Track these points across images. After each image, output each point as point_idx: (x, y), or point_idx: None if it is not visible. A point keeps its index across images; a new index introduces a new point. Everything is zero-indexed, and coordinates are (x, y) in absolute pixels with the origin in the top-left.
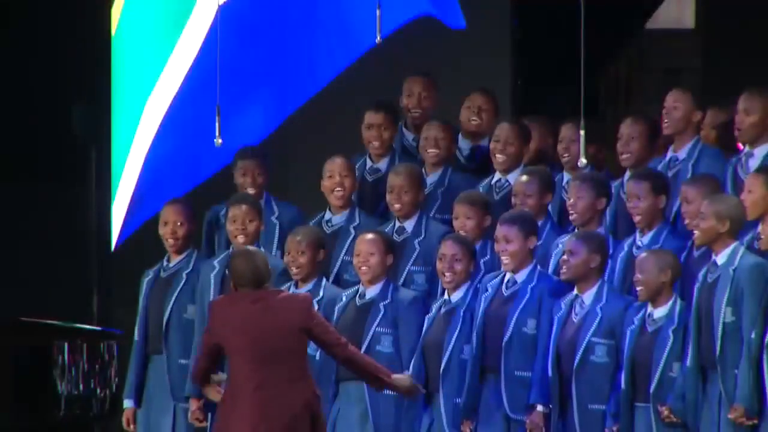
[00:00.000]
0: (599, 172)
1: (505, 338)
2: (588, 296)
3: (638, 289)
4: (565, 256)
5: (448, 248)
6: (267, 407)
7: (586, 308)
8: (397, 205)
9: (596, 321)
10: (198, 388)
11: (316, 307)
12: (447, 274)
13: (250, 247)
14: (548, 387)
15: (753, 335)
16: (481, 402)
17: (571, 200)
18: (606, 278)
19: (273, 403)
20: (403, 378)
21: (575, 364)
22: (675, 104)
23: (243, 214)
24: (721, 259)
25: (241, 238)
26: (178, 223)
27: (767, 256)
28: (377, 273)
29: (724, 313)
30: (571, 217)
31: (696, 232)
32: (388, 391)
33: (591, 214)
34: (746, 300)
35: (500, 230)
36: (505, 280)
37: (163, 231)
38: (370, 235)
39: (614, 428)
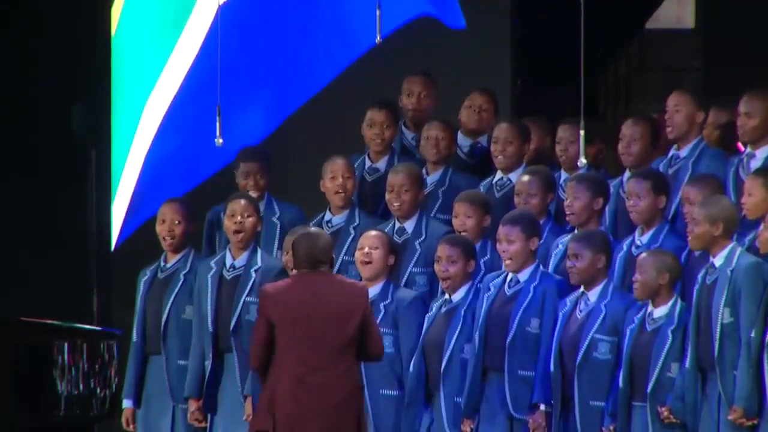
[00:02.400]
0: (596, 172)
1: (509, 338)
2: (593, 294)
3: (635, 288)
4: (570, 262)
5: (442, 250)
6: (310, 391)
7: (590, 305)
8: (396, 203)
9: (600, 318)
10: (257, 378)
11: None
12: (442, 276)
13: (314, 229)
14: (551, 386)
15: (752, 335)
16: (484, 401)
17: (568, 200)
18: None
19: (317, 388)
20: None
21: (578, 361)
22: (677, 107)
23: (241, 209)
24: (718, 260)
25: (238, 234)
26: (176, 222)
27: (767, 258)
28: (378, 268)
29: (722, 314)
30: (567, 218)
31: (690, 237)
32: (388, 392)
33: (588, 214)
34: (744, 300)
35: (502, 230)
36: (508, 280)
37: (160, 229)
38: (374, 232)
39: (611, 427)
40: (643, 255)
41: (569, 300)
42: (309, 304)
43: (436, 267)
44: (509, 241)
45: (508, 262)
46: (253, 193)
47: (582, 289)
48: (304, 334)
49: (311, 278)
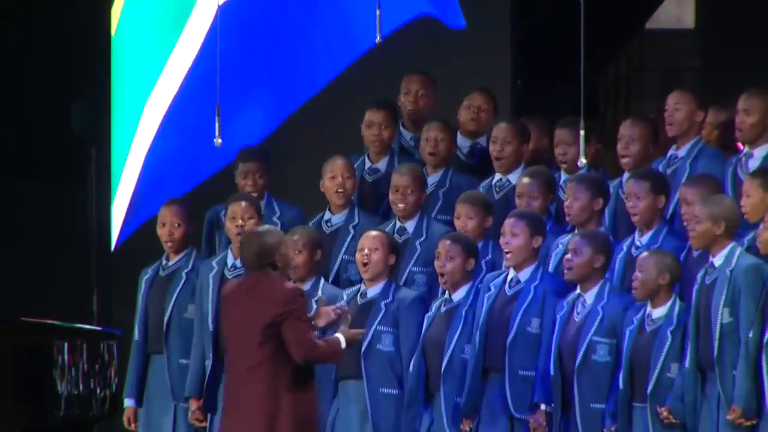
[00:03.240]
0: (596, 172)
1: (509, 338)
2: (590, 295)
3: (634, 287)
4: (568, 255)
5: (442, 246)
6: (228, 394)
7: (587, 307)
8: (401, 205)
9: (597, 320)
10: None
11: (306, 302)
12: (439, 272)
13: (263, 228)
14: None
15: (751, 335)
16: (485, 401)
17: (568, 201)
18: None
19: (230, 392)
20: (350, 333)
21: (577, 364)
22: (677, 106)
23: (242, 211)
24: (718, 260)
25: (239, 236)
26: (175, 224)
27: (767, 258)
28: (379, 269)
29: (721, 314)
30: (567, 218)
31: (692, 235)
32: (388, 390)
33: (588, 215)
34: (743, 301)
35: (508, 223)
36: (508, 279)
37: (161, 232)
38: (374, 232)
39: (612, 428)
40: (644, 254)
41: (566, 302)
42: (234, 310)
43: (435, 263)
44: (513, 235)
45: (508, 255)
46: (252, 193)
47: (578, 291)
48: (228, 339)
49: (249, 282)
